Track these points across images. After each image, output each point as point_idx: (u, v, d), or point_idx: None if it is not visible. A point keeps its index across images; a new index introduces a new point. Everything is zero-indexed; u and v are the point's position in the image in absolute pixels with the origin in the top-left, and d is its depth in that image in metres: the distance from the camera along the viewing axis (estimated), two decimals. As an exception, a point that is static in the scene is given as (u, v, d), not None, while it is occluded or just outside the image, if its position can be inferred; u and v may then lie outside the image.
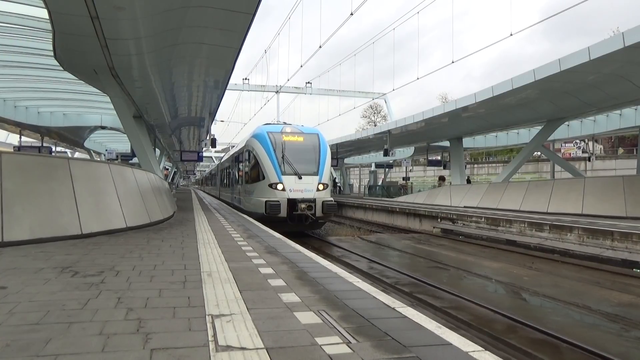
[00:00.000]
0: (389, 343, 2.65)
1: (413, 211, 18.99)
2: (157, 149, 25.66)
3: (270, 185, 14.13)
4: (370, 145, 31.92)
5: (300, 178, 14.18)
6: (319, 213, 14.02)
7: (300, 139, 15.33)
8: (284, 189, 13.96)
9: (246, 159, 16.83)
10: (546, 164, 36.13)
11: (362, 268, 9.76)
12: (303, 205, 13.78)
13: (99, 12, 6.94)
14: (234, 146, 30.21)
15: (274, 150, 14.58)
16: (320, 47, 18.98)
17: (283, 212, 13.64)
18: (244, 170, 17.48)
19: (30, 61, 13.49)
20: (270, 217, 13.36)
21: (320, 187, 14.35)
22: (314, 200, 13.96)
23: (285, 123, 17.18)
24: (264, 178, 14.47)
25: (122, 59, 9.53)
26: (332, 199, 14.95)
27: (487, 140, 28.59)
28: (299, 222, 13.84)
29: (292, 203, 13.79)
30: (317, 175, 14.48)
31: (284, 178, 14.08)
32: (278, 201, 13.66)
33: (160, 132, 23.18)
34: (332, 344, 2.61)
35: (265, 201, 13.67)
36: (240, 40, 8.46)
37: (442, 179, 30.68)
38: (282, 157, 14.45)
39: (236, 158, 20.16)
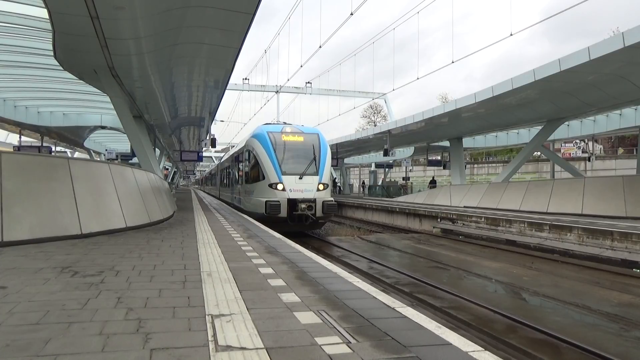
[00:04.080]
0: (389, 343, 2.65)
1: (413, 211, 18.99)
2: (157, 149, 25.67)
3: (271, 185, 14.09)
4: (370, 145, 31.92)
5: (300, 178, 14.15)
6: (319, 213, 13.98)
7: (301, 138, 15.28)
8: (284, 189, 13.91)
9: (246, 158, 16.79)
10: (546, 164, 36.11)
11: (362, 268, 9.76)
12: (303, 206, 13.73)
13: (99, 12, 6.95)
14: (233, 146, 30.20)
15: (274, 150, 14.53)
16: (320, 47, 19.03)
17: (283, 212, 13.60)
18: (244, 170, 17.44)
19: (30, 61, 13.49)
20: (270, 217, 13.32)
21: (321, 187, 14.32)
22: (314, 200, 13.91)
23: (285, 123, 17.17)
24: (264, 178, 14.43)
25: (122, 58, 9.53)
26: (332, 199, 14.91)
27: (487, 140, 28.60)
28: (299, 222, 13.80)
29: (293, 203, 13.75)
30: (317, 175, 14.44)
31: (284, 178, 14.03)
32: (278, 201, 13.61)
33: (160, 132, 23.18)
34: (332, 344, 2.61)
35: (266, 201, 13.63)
36: (240, 40, 8.47)
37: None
38: (282, 157, 14.41)
39: (236, 158, 20.12)
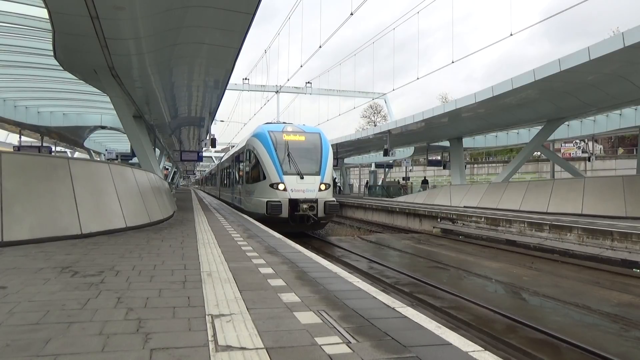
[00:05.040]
0: (389, 343, 2.65)
1: (413, 211, 19.00)
2: (157, 149, 25.66)
3: (272, 185, 13.89)
4: (370, 145, 31.92)
5: (302, 178, 13.92)
6: (321, 213, 13.77)
7: (302, 138, 15.07)
8: (285, 189, 13.71)
9: (247, 158, 16.59)
10: (546, 164, 36.12)
11: (362, 268, 9.76)
12: (305, 206, 13.53)
13: (99, 12, 6.95)
14: (233, 146, 30.16)
15: (275, 149, 14.31)
16: (320, 47, 19.02)
17: (284, 213, 13.41)
18: (245, 170, 17.25)
19: (30, 61, 13.48)
20: (271, 217, 13.15)
21: (322, 187, 14.11)
22: (315, 201, 13.72)
23: (285, 123, 17.08)
24: (265, 178, 14.23)
25: (122, 59, 9.53)
26: (334, 199, 14.70)
27: (487, 140, 28.60)
28: (300, 223, 13.59)
29: (294, 203, 13.55)
30: (319, 175, 14.25)
31: (286, 178, 13.82)
32: (279, 201, 13.42)
33: (160, 132, 23.18)
34: (332, 344, 2.61)
35: (267, 201, 13.45)
36: (240, 40, 8.46)
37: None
38: (284, 157, 14.20)
39: (237, 157, 19.90)
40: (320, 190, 14.05)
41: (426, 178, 40.20)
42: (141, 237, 7.53)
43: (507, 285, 8.29)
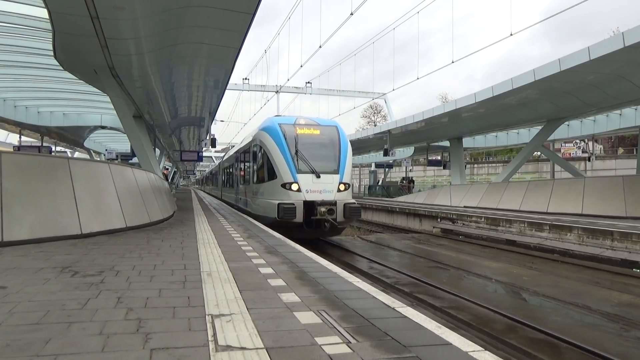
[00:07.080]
0: (389, 343, 2.65)
1: (413, 211, 19.00)
2: (157, 149, 25.65)
3: (284, 185, 12.14)
4: (370, 145, 31.93)
5: (318, 177, 12.18)
6: (340, 217, 11.93)
7: (317, 132, 13.29)
8: (299, 190, 11.95)
9: (254, 155, 14.68)
10: (546, 164, 36.13)
11: (362, 268, 9.77)
12: (323, 209, 11.71)
13: (99, 12, 6.95)
14: (233, 146, 30.01)
15: (287, 144, 12.52)
16: (320, 47, 19.01)
17: (299, 217, 11.66)
18: (252, 168, 15.27)
19: (30, 61, 13.49)
20: (283, 222, 11.57)
21: (342, 187, 12.39)
22: (334, 203, 11.90)
23: (297, 116, 14.86)
24: (275, 177, 12.49)
25: (122, 58, 9.53)
26: (354, 200, 12.82)
27: (487, 140, 28.62)
28: (317, 228, 11.89)
29: (310, 206, 11.77)
30: (338, 173, 12.52)
31: (300, 177, 12.07)
32: (293, 204, 11.65)
33: (160, 132, 23.19)
34: (332, 343, 2.62)
35: (278, 204, 11.70)
36: (240, 40, 8.46)
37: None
38: (297, 153, 12.42)
39: (242, 154, 17.77)
40: (339, 190, 12.30)
41: (413, 178, 40.52)
42: (141, 237, 7.53)
43: (507, 285, 8.29)
